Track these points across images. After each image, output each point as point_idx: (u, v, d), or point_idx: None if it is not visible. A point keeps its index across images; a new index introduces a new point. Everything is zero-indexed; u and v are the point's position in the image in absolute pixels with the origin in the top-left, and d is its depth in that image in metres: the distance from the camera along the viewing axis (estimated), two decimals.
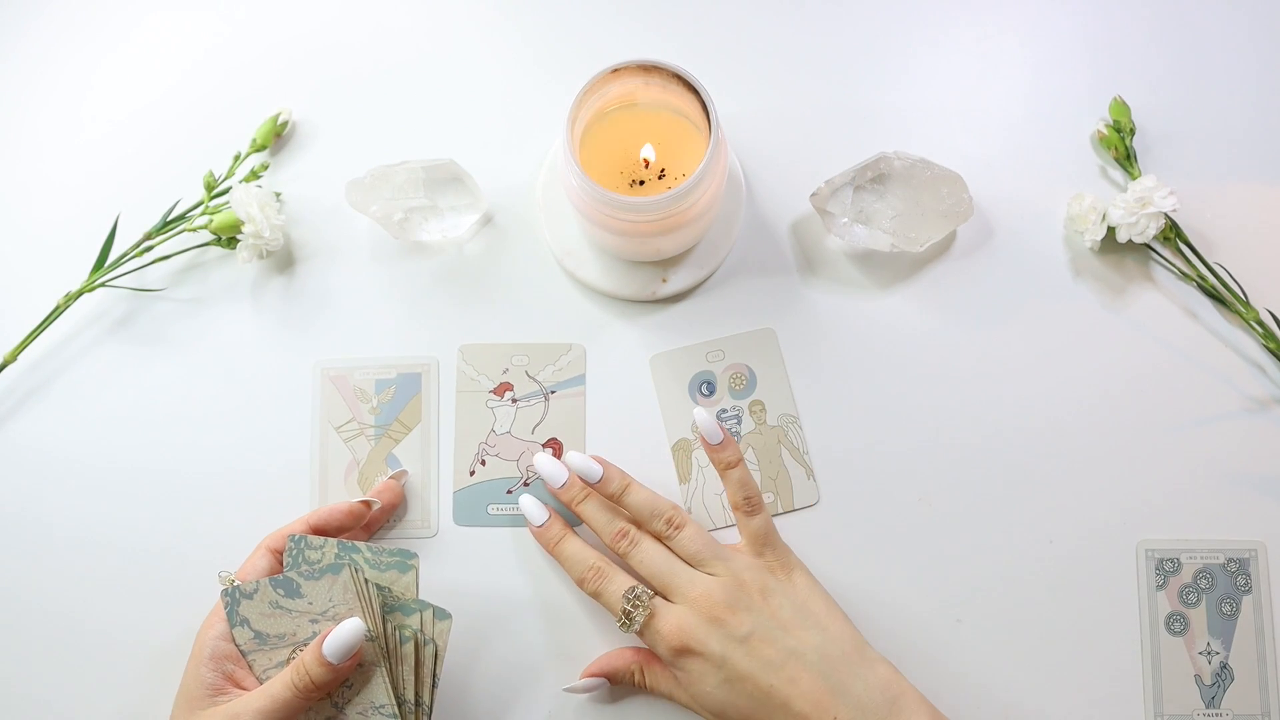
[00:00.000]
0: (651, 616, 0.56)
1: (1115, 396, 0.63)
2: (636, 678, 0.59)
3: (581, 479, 0.59)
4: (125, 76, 0.68)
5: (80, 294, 0.64)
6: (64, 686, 0.62)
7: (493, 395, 0.64)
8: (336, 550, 0.56)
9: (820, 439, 0.63)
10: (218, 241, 0.65)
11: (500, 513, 0.63)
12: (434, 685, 0.55)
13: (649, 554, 0.57)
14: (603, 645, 0.61)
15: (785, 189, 0.66)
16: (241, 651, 0.55)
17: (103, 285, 0.64)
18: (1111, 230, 0.64)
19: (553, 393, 0.64)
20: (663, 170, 0.60)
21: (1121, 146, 0.65)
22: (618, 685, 0.60)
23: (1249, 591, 0.61)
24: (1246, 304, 0.63)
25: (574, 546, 0.59)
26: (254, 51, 0.69)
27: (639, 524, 0.59)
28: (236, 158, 0.66)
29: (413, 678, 0.54)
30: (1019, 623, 0.61)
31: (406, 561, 0.56)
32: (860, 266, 0.65)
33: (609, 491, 0.59)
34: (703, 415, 0.58)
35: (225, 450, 0.64)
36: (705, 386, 0.64)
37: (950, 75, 0.68)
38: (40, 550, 0.63)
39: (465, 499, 0.63)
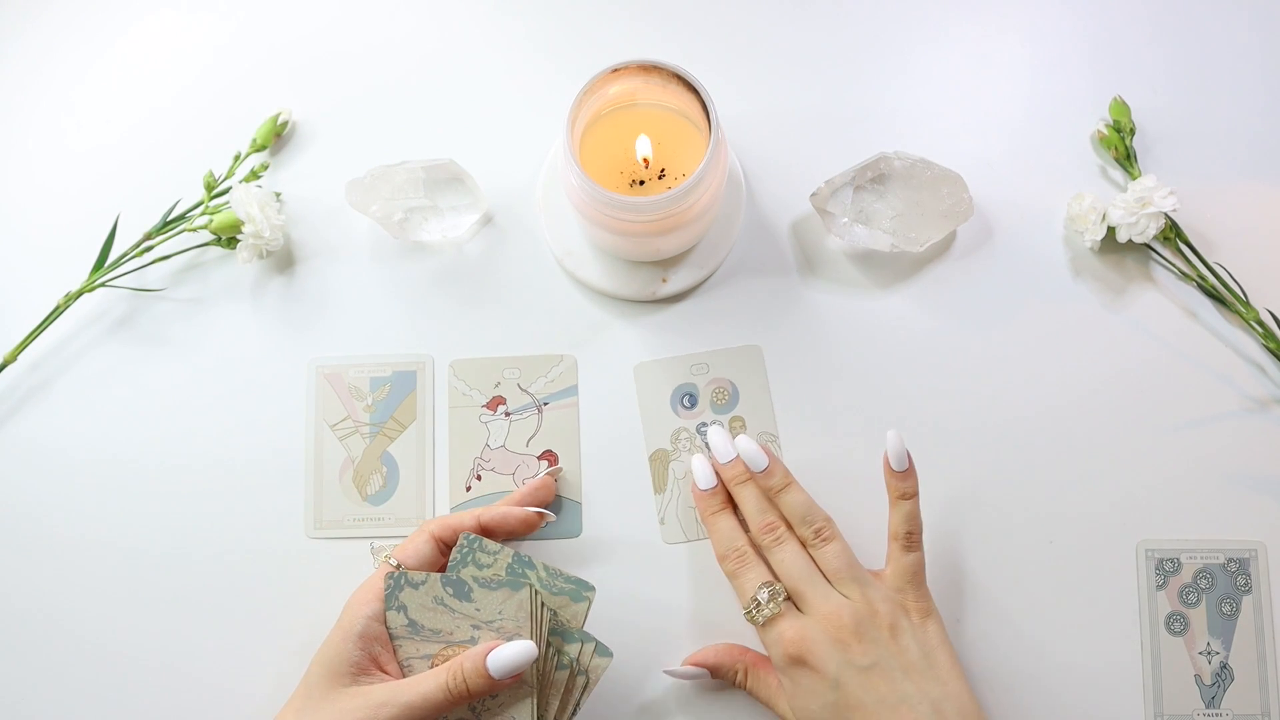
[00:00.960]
0: (779, 616, 0.56)
1: (1115, 396, 0.63)
2: (739, 677, 0.58)
3: (745, 464, 0.59)
4: (125, 77, 0.68)
5: (80, 294, 0.64)
6: (63, 686, 0.62)
7: (485, 410, 0.64)
8: (511, 561, 0.55)
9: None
10: (218, 241, 0.65)
11: None
12: (573, 715, 0.55)
13: (791, 556, 0.57)
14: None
15: (785, 189, 0.66)
16: (390, 635, 0.54)
17: (103, 285, 0.64)
18: (1111, 230, 0.64)
19: (546, 404, 0.64)
20: (663, 170, 0.60)
21: (1121, 146, 0.65)
22: (718, 679, 0.59)
23: (1249, 591, 0.61)
24: (1246, 304, 0.63)
25: (729, 522, 0.59)
26: (254, 52, 0.69)
27: (788, 525, 0.58)
28: (236, 158, 0.66)
29: (556, 704, 0.54)
30: (1019, 622, 0.61)
31: (582, 592, 0.56)
32: (860, 266, 0.65)
33: (769, 484, 0.59)
34: (893, 439, 0.57)
35: (224, 449, 0.64)
36: (687, 399, 0.64)
37: (950, 75, 0.68)
38: (40, 548, 0.63)
39: None
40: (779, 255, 0.66)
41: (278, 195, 0.66)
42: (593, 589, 0.56)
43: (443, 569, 0.57)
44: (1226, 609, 0.61)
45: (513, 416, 0.64)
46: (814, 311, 0.65)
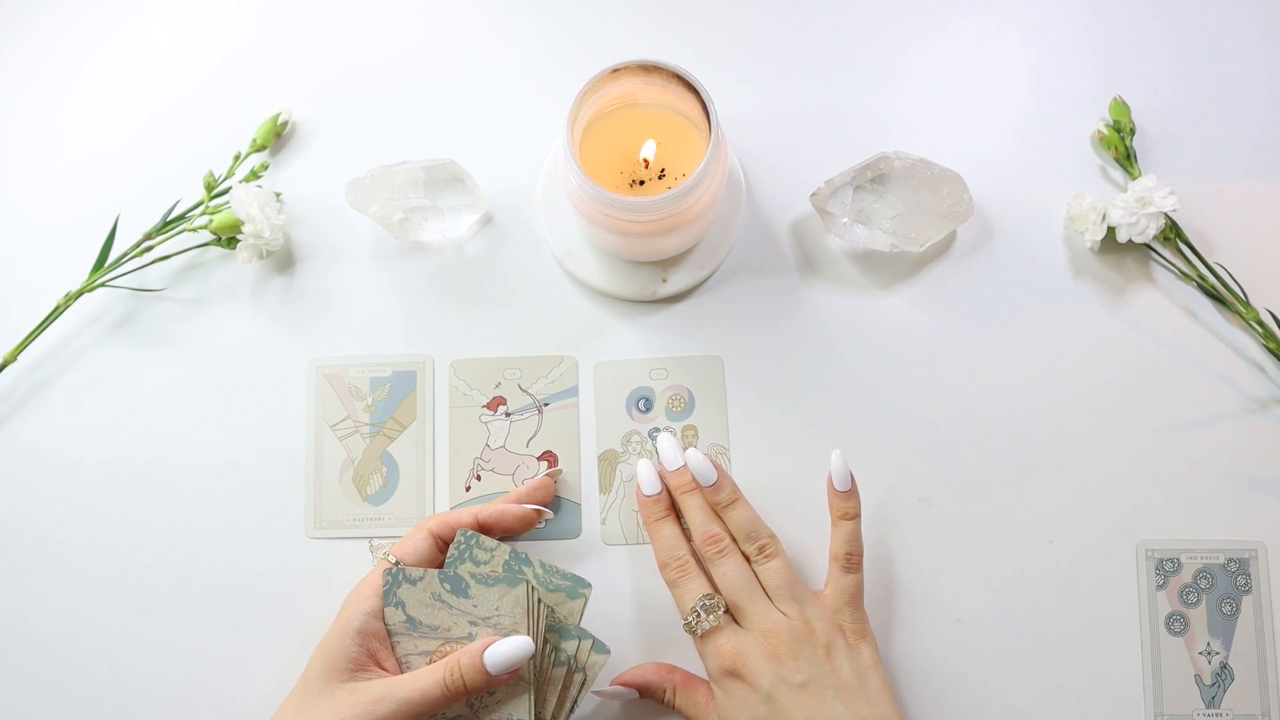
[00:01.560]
0: (717, 630, 0.56)
1: (1115, 396, 0.63)
2: (668, 695, 0.59)
3: (692, 476, 0.59)
4: (125, 76, 0.68)
5: (80, 294, 0.64)
6: (63, 685, 0.62)
7: (486, 410, 0.64)
8: (508, 558, 0.56)
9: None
10: (218, 241, 0.65)
11: None
12: (570, 712, 0.55)
13: (734, 570, 0.57)
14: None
15: (785, 189, 0.66)
16: (389, 631, 0.54)
17: (103, 285, 0.64)
18: (1111, 230, 0.64)
19: (546, 405, 0.64)
20: (663, 170, 0.60)
21: (1121, 146, 0.65)
22: (646, 699, 0.60)
23: (1249, 591, 0.61)
24: (1246, 304, 0.63)
25: (671, 530, 0.59)
26: (255, 52, 0.69)
27: (732, 538, 0.59)
28: (236, 158, 0.66)
29: (554, 700, 0.54)
30: (1019, 622, 0.61)
31: (578, 589, 0.56)
32: (860, 266, 0.65)
33: (716, 499, 0.59)
34: (838, 458, 0.58)
35: (224, 449, 0.64)
36: (643, 402, 0.64)
37: (950, 75, 0.68)
38: (39, 547, 0.63)
39: None
40: (779, 255, 0.66)
41: (278, 195, 0.66)
42: (589, 586, 0.56)
43: (441, 566, 0.57)
44: (1227, 609, 0.61)
45: (513, 417, 0.64)
46: (814, 311, 0.65)
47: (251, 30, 0.69)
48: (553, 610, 0.55)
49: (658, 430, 0.63)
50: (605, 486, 0.63)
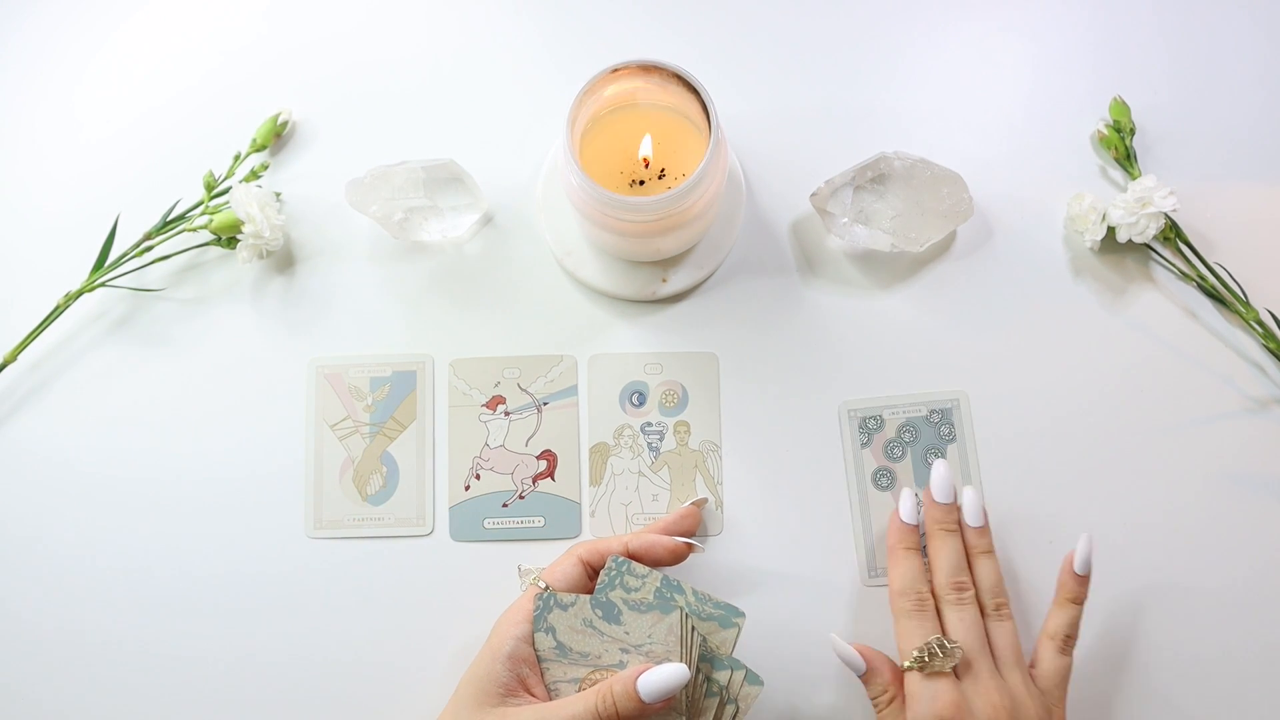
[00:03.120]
0: (944, 675, 0.54)
1: (1115, 396, 0.63)
2: (883, 697, 0.56)
3: (961, 513, 0.58)
4: (125, 76, 0.68)
5: (80, 294, 0.64)
6: (63, 686, 0.62)
7: (485, 409, 0.64)
8: (660, 585, 0.55)
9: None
10: (218, 241, 0.65)
11: (496, 527, 0.63)
12: None
13: (972, 621, 0.56)
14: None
15: (785, 189, 0.66)
16: (538, 657, 0.53)
17: (103, 285, 0.64)
18: (1111, 230, 0.64)
19: (545, 404, 0.64)
20: (663, 170, 0.60)
21: (1121, 146, 0.65)
22: (864, 682, 0.57)
23: (953, 440, 0.62)
24: (1246, 304, 0.63)
25: (916, 563, 0.57)
26: (254, 52, 0.69)
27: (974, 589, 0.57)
28: (236, 158, 0.66)
29: None
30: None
31: (731, 618, 0.55)
32: (860, 266, 0.65)
33: (976, 543, 0.58)
34: (1084, 545, 0.57)
35: (223, 449, 0.64)
36: (636, 397, 0.64)
37: (950, 75, 0.68)
38: (39, 547, 0.63)
39: (461, 514, 0.63)
40: (779, 255, 0.66)
41: (278, 195, 0.66)
42: (743, 615, 0.55)
43: (589, 592, 0.56)
44: (932, 460, 0.62)
45: (512, 416, 0.64)
46: (814, 311, 0.65)
47: (252, 30, 0.69)
48: (705, 639, 0.54)
49: (936, 455, 0.62)
50: (596, 479, 0.63)
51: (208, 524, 0.63)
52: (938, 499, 0.59)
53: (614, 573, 0.55)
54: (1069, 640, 0.57)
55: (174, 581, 0.63)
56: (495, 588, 0.62)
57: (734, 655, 0.54)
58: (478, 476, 0.64)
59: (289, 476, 0.64)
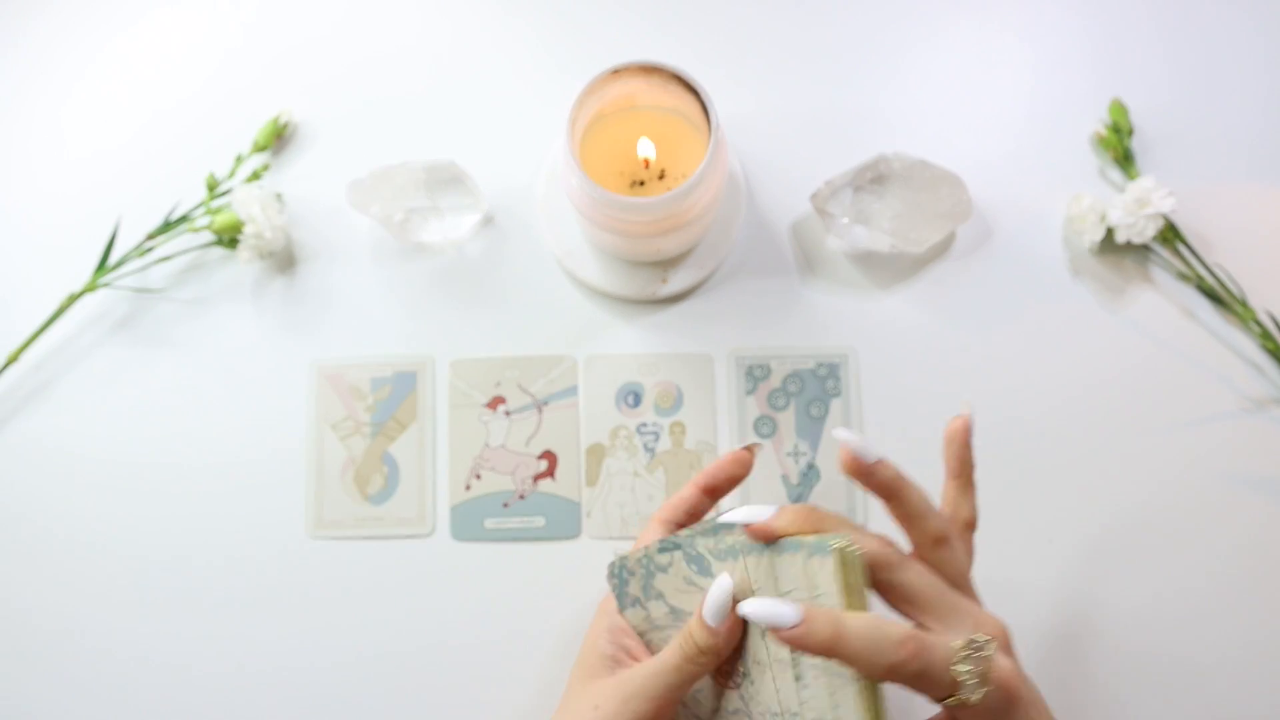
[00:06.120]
0: (993, 671, 0.43)
1: (1114, 397, 0.64)
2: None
3: (860, 462, 0.46)
4: (127, 78, 0.69)
5: (82, 294, 0.64)
6: (63, 685, 0.62)
7: (486, 409, 0.64)
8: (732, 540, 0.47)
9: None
10: (219, 242, 0.65)
11: (497, 527, 0.63)
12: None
13: (921, 573, 0.45)
14: None
15: (785, 189, 0.66)
16: (638, 631, 0.52)
17: (105, 286, 0.64)
18: (1110, 231, 0.64)
19: (546, 404, 0.64)
20: (663, 171, 0.60)
21: (1120, 147, 0.65)
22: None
23: (838, 395, 0.63)
24: (1245, 304, 0.63)
25: (861, 628, 0.42)
26: (255, 52, 0.69)
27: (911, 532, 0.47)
28: (238, 159, 0.66)
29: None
30: None
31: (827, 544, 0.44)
32: (860, 267, 0.66)
33: (889, 478, 0.46)
34: (967, 416, 0.49)
35: (225, 449, 0.64)
36: (631, 397, 0.64)
37: (950, 75, 0.68)
38: (40, 547, 0.63)
39: (462, 514, 0.63)
40: (779, 255, 0.66)
41: (279, 196, 0.66)
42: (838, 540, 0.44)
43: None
44: (815, 411, 0.63)
45: (512, 416, 0.64)
46: (814, 311, 0.65)
47: (253, 31, 0.69)
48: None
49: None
50: (592, 480, 0.63)
51: (208, 524, 0.63)
52: (867, 460, 0.46)
53: (686, 540, 0.49)
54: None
55: (174, 581, 0.63)
56: (496, 588, 0.62)
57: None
58: (478, 476, 0.64)
59: (290, 476, 0.64)
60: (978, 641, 0.43)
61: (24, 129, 0.68)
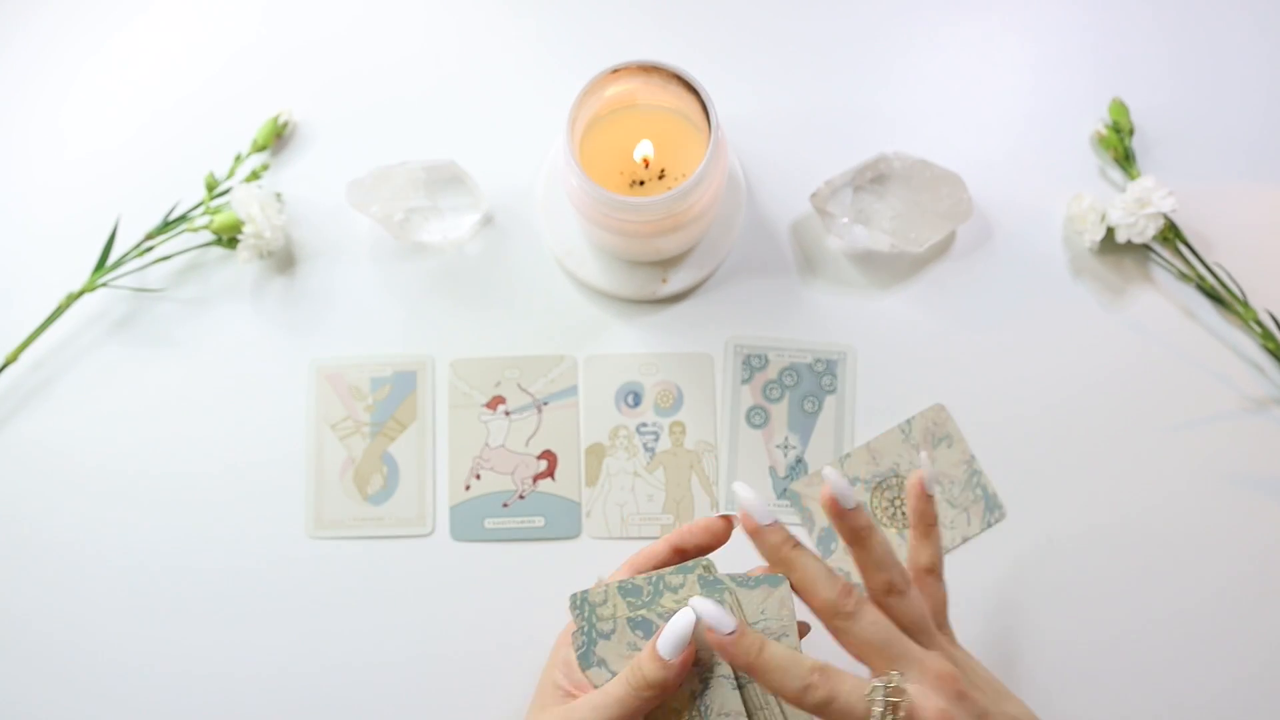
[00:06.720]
0: (912, 709, 0.44)
1: (1114, 396, 0.64)
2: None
3: (838, 504, 0.48)
4: (126, 77, 0.69)
5: (81, 294, 0.64)
6: (62, 686, 0.62)
7: (485, 409, 0.64)
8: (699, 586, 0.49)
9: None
10: (218, 242, 0.65)
11: (497, 527, 0.63)
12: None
13: (874, 621, 0.46)
14: None
15: (785, 189, 0.66)
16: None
17: (104, 285, 0.64)
18: (1111, 230, 0.64)
19: (545, 404, 0.64)
20: (663, 171, 0.60)
21: (1120, 147, 0.65)
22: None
23: (833, 391, 0.63)
24: (1245, 304, 0.63)
25: (780, 650, 0.46)
26: (255, 52, 0.69)
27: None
28: (237, 158, 0.66)
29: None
30: None
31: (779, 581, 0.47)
32: (860, 266, 0.66)
33: (859, 525, 0.48)
34: (927, 470, 0.50)
35: (225, 449, 0.64)
36: (631, 397, 0.64)
37: (950, 75, 0.68)
38: (40, 547, 0.63)
39: (461, 514, 0.63)
40: (779, 255, 0.66)
41: (278, 196, 0.66)
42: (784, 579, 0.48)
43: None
44: (809, 406, 0.63)
45: (512, 416, 0.64)
46: (814, 311, 0.65)
47: (253, 31, 0.69)
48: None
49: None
50: (591, 480, 0.63)
51: (208, 523, 0.63)
52: (846, 505, 0.48)
53: (650, 593, 0.50)
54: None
55: (174, 581, 0.63)
56: (495, 588, 0.62)
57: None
58: (478, 476, 0.64)
59: (289, 476, 0.64)
60: (892, 680, 0.45)
61: (23, 128, 0.68)
